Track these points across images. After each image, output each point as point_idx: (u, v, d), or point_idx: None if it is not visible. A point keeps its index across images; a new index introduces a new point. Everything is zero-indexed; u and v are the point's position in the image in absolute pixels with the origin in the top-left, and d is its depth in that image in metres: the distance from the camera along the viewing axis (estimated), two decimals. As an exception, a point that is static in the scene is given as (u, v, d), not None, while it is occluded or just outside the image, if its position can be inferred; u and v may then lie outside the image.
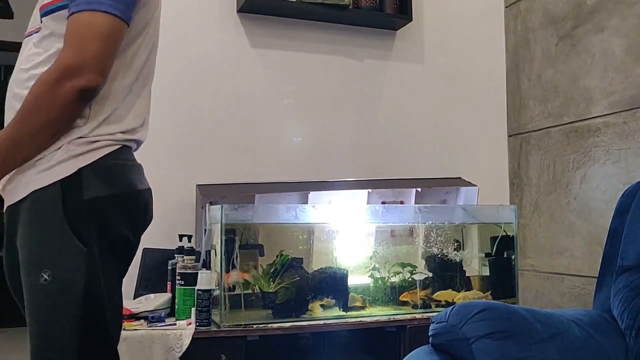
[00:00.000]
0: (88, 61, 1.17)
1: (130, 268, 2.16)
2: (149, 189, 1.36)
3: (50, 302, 1.18)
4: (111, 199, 1.24)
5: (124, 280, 2.20)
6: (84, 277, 1.19)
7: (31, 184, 1.20)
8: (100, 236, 1.22)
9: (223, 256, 1.85)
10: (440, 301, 2.12)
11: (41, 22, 1.27)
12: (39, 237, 1.19)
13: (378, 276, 2.10)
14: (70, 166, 1.20)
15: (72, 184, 1.20)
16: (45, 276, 1.18)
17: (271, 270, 1.93)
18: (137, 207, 1.32)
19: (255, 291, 1.92)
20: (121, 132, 1.28)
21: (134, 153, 1.36)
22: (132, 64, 1.32)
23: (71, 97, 1.16)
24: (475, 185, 2.38)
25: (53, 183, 1.19)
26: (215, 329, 1.80)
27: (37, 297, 1.19)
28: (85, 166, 1.21)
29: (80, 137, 1.22)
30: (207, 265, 1.99)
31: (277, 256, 1.96)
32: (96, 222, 1.22)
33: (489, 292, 2.19)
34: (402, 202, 2.34)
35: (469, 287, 2.20)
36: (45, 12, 1.25)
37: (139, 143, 1.38)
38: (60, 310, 1.18)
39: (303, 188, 2.19)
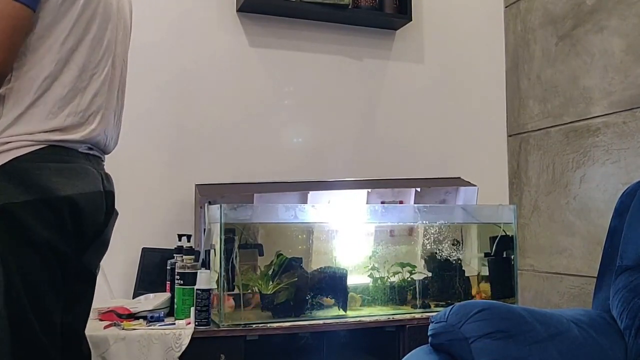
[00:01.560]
0: None
1: (129, 268, 2.19)
2: (89, 193, 1.28)
3: None
4: (25, 205, 1.17)
5: (123, 279, 2.21)
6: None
7: None
8: (16, 243, 1.16)
9: (222, 256, 1.85)
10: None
11: None
12: None
13: (377, 276, 2.10)
14: None
15: None
16: None
17: (269, 272, 1.93)
18: (59, 214, 1.22)
19: (254, 292, 1.92)
20: (45, 132, 1.21)
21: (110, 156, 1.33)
22: (66, 59, 1.26)
23: None
24: (475, 185, 2.38)
25: None
26: (215, 329, 1.80)
27: None
28: None
29: None
30: (206, 264, 1.98)
31: (275, 257, 1.95)
32: (7, 228, 1.15)
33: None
34: (401, 202, 2.34)
35: (468, 287, 2.20)
36: None
37: (92, 143, 1.32)
38: None
39: (302, 188, 2.19)
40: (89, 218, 1.30)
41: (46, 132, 1.22)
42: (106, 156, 1.54)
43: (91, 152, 1.37)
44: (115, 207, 1.48)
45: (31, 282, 1.19)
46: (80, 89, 1.30)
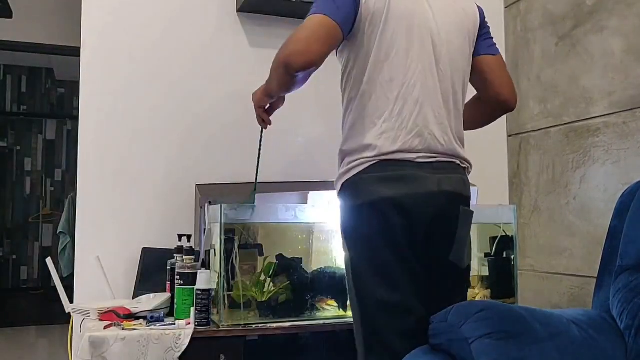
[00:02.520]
0: (293, 42, 1.53)
1: (129, 268, 2.19)
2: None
3: None
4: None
5: (123, 279, 2.21)
6: None
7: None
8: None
9: (222, 256, 1.85)
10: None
11: None
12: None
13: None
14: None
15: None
16: None
17: (259, 279, 1.92)
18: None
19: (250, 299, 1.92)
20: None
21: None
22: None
23: (279, 66, 1.57)
24: (475, 186, 2.37)
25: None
26: (215, 329, 1.80)
27: None
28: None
29: None
30: (206, 265, 1.98)
31: (275, 260, 1.95)
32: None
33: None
34: (401, 202, 2.33)
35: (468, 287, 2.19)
36: None
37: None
38: None
39: (303, 188, 2.19)
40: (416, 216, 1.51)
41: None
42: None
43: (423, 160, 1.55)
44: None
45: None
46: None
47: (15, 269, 6.56)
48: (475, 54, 1.69)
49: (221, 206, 1.85)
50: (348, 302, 2.01)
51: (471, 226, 1.64)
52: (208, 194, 2.14)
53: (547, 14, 2.55)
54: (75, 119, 5.90)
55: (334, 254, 2.06)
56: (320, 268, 2.01)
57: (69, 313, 1.99)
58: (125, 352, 1.68)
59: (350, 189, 1.56)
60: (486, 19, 1.74)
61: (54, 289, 2.15)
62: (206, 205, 2.04)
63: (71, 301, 2.05)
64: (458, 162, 1.62)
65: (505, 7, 2.82)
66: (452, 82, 1.60)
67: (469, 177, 1.68)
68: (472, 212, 1.64)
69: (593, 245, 2.26)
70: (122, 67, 2.28)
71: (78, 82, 2.26)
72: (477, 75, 1.71)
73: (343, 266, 2.02)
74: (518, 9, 2.73)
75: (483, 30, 1.72)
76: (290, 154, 2.46)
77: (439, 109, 1.57)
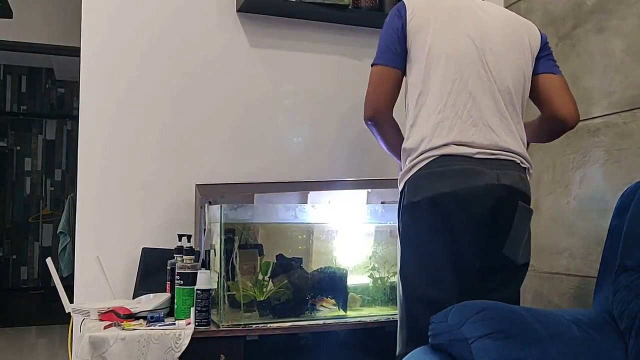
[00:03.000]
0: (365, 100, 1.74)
1: (129, 268, 2.19)
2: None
3: None
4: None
5: (123, 279, 2.21)
6: None
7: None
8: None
9: (222, 256, 1.85)
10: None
11: None
12: None
13: (377, 276, 2.10)
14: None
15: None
16: None
17: (259, 278, 1.92)
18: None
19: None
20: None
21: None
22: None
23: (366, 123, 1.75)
24: (475, 185, 2.37)
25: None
26: (215, 329, 1.80)
27: None
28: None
29: None
30: (206, 265, 1.98)
31: (274, 260, 1.95)
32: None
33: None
34: (401, 202, 2.33)
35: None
36: None
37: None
38: None
39: (302, 188, 2.19)
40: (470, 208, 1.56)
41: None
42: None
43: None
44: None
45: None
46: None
47: (15, 269, 6.55)
48: (535, 72, 1.77)
49: (221, 206, 1.85)
50: (348, 302, 2.01)
51: (529, 225, 1.71)
52: (208, 194, 2.14)
53: (547, 14, 2.55)
54: (75, 119, 5.91)
55: (334, 254, 2.06)
56: (320, 268, 2.01)
57: (69, 313, 1.99)
58: (125, 352, 1.68)
59: (411, 187, 1.61)
60: (549, 44, 1.82)
61: (54, 289, 2.15)
62: (206, 205, 2.04)
63: (71, 301, 2.05)
64: (518, 161, 1.67)
65: (505, 7, 2.82)
66: (506, 84, 1.66)
67: (529, 178, 1.75)
68: (532, 211, 1.70)
69: (593, 245, 2.26)
70: (122, 67, 2.28)
71: (78, 82, 2.26)
72: (536, 94, 1.79)
73: (343, 266, 2.03)
74: (518, 9, 2.73)
75: (544, 52, 1.79)
76: (290, 154, 2.46)
77: (497, 102, 1.64)
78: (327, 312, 1.98)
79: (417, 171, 1.60)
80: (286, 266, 1.96)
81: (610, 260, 1.66)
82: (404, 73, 1.70)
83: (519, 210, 1.64)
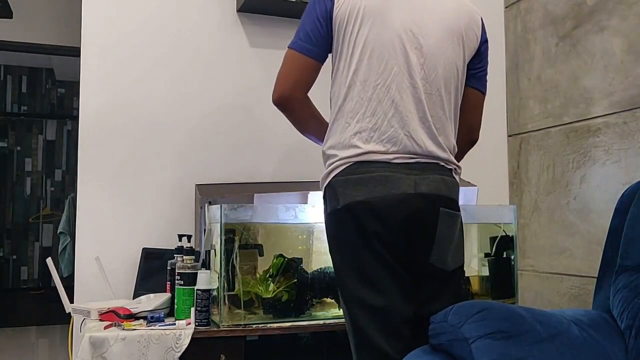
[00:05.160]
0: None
1: (129, 268, 2.19)
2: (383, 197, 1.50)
3: None
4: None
5: (123, 279, 2.21)
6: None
7: None
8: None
9: (222, 256, 1.85)
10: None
11: None
12: None
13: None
14: None
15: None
16: None
17: (267, 275, 1.92)
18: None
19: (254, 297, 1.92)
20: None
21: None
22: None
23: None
24: (475, 186, 2.38)
25: None
26: (215, 329, 1.80)
27: None
28: None
29: None
30: (206, 265, 1.98)
31: (274, 258, 1.95)
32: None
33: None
34: (401, 202, 2.33)
35: (468, 287, 2.19)
36: None
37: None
38: None
39: (302, 188, 2.19)
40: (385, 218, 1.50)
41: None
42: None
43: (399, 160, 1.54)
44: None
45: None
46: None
47: (15, 269, 6.55)
48: (467, 82, 1.68)
49: (221, 206, 1.85)
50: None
51: (459, 227, 1.60)
52: (208, 194, 2.14)
53: (548, 14, 2.55)
54: (75, 119, 5.91)
55: (334, 254, 2.06)
56: (320, 268, 2.01)
57: (69, 313, 1.99)
58: (126, 352, 1.68)
59: (328, 193, 1.57)
60: (487, 43, 1.71)
61: (54, 289, 2.15)
62: (206, 205, 2.04)
63: (71, 301, 2.05)
64: (442, 163, 1.57)
65: (505, 7, 2.82)
66: (437, 87, 1.56)
67: (458, 177, 1.65)
68: (456, 214, 1.59)
69: (593, 245, 2.26)
70: (122, 68, 2.28)
71: (78, 82, 2.26)
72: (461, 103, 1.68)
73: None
74: (518, 9, 2.73)
75: (480, 61, 1.69)
76: (290, 154, 2.46)
77: (421, 108, 1.54)
78: (328, 312, 1.98)
79: (334, 177, 1.55)
80: (286, 266, 1.96)
81: (610, 260, 1.66)
82: (322, 63, 1.63)
83: (441, 217, 1.53)
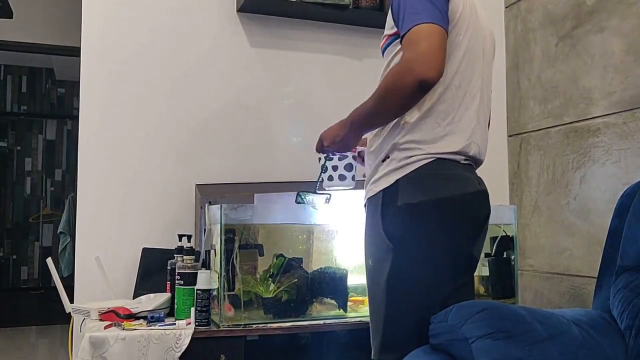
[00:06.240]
0: (420, 57, 1.38)
1: (129, 268, 2.19)
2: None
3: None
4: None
5: (123, 279, 2.21)
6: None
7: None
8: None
9: (222, 256, 1.85)
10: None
11: (382, 56, 1.61)
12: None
13: (378, 276, 2.10)
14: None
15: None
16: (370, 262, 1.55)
17: (268, 275, 1.92)
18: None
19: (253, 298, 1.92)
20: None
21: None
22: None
23: (411, 88, 1.39)
24: (475, 186, 2.37)
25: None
26: (215, 329, 1.80)
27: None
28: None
29: None
30: (206, 265, 1.98)
31: (274, 258, 1.95)
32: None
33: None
34: (401, 202, 2.33)
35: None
36: (383, 50, 1.60)
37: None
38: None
39: (302, 188, 2.19)
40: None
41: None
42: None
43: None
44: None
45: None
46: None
47: (15, 269, 6.56)
48: None
49: (221, 206, 1.85)
50: (348, 303, 2.01)
51: None
52: (208, 194, 2.14)
53: (548, 14, 2.55)
54: (75, 119, 5.91)
55: (334, 254, 2.06)
56: (321, 268, 2.01)
57: (69, 313, 1.99)
58: (126, 352, 1.68)
59: (410, 185, 1.48)
60: None
61: (54, 289, 2.15)
62: (206, 205, 2.04)
63: (71, 301, 2.05)
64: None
65: (506, 7, 2.82)
66: (489, 92, 1.65)
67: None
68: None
69: (593, 246, 2.26)
70: (122, 67, 2.28)
71: (78, 82, 2.26)
72: None
73: (343, 266, 2.03)
74: (518, 9, 2.73)
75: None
76: (290, 154, 2.46)
77: (485, 122, 1.62)
78: (328, 312, 1.98)
79: (417, 169, 1.48)
80: (286, 266, 1.96)
81: (611, 260, 1.66)
82: None
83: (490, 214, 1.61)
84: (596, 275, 1.72)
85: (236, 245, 1.88)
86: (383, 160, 1.55)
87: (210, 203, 2.04)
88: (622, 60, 2.19)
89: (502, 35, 2.82)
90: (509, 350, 1.32)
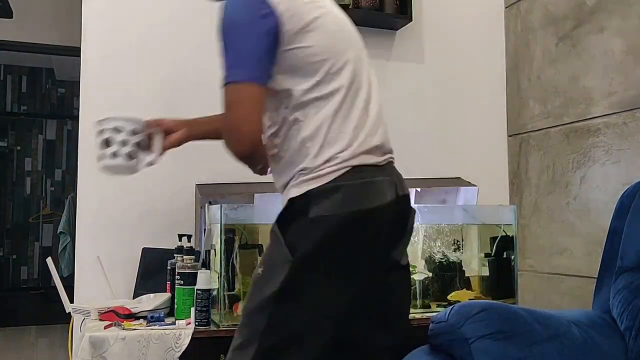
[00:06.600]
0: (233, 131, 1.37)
1: (129, 268, 2.19)
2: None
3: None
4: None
5: (123, 279, 2.21)
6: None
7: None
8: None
9: (222, 256, 1.85)
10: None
11: None
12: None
13: (377, 276, 2.10)
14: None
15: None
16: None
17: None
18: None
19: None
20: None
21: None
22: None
23: (235, 156, 1.42)
24: (475, 186, 2.38)
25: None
26: (215, 329, 1.80)
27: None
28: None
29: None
30: (206, 265, 1.98)
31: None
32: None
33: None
34: (401, 202, 2.33)
35: (468, 288, 2.19)
36: None
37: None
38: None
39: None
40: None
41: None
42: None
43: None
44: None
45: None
46: None
47: (15, 269, 6.56)
48: None
49: (221, 206, 1.85)
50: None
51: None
52: (208, 194, 2.14)
53: (548, 14, 2.55)
54: (75, 119, 5.91)
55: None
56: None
57: (69, 313, 1.99)
58: (125, 352, 1.68)
59: (322, 197, 1.33)
60: None
61: (54, 289, 2.15)
62: (206, 205, 2.04)
63: (71, 301, 2.05)
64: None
65: (506, 7, 2.82)
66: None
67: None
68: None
69: (593, 246, 2.26)
70: (122, 67, 2.28)
71: (78, 82, 2.26)
72: None
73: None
74: (518, 9, 2.73)
75: None
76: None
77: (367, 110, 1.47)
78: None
79: (333, 180, 1.34)
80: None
81: (611, 260, 1.66)
82: None
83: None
84: (596, 276, 1.72)
85: (236, 245, 1.88)
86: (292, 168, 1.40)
87: (210, 203, 2.04)
88: (622, 60, 2.19)
89: (502, 35, 2.82)
90: (509, 351, 1.32)
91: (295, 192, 1.35)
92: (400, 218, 1.43)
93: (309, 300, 1.32)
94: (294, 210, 1.35)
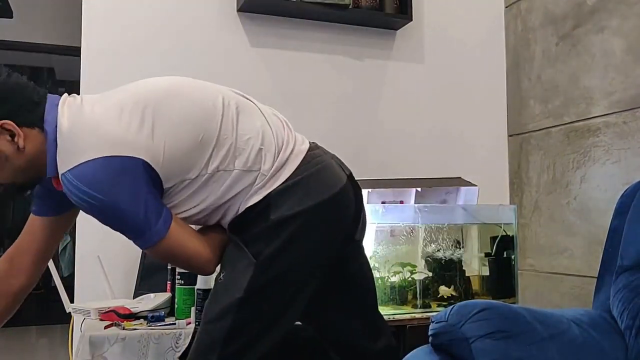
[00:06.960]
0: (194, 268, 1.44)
1: (130, 267, 2.18)
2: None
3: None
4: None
5: (124, 279, 2.20)
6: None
7: None
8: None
9: (222, 256, 1.85)
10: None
11: None
12: None
13: (378, 276, 2.10)
14: None
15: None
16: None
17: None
18: None
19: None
20: None
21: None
22: None
23: None
24: (475, 185, 2.38)
25: None
26: (215, 329, 1.79)
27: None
28: None
29: None
30: (206, 264, 1.98)
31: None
32: None
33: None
34: (402, 202, 2.33)
35: (468, 287, 2.19)
36: None
37: None
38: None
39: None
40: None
41: None
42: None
43: None
44: None
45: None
46: None
47: (15, 269, 6.55)
48: None
49: (221, 206, 1.84)
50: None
51: None
52: (208, 193, 2.13)
53: (548, 13, 2.55)
54: (75, 119, 5.89)
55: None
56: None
57: (69, 313, 1.99)
58: (126, 352, 1.68)
59: (280, 197, 1.36)
60: None
61: (54, 289, 2.14)
62: (206, 205, 2.03)
63: (71, 301, 2.05)
64: None
65: (506, 7, 2.82)
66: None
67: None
68: None
69: (593, 245, 2.26)
70: (122, 67, 2.28)
71: (78, 82, 2.25)
72: None
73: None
74: (518, 8, 2.73)
75: None
76: (291, 153, 2.45)
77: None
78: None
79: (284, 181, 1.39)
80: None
81: (610, 260, 1.66)
82: None
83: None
84: (596, 275, 1.72)
85: (236, 245, 1.88)
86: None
87: (210, 203, 2.04)
88: (622, 60, 2.19)
89: (502, 35, 2.82)
90: (509, 350, 1.32)
91: (253, 200, 1.36)
92: (356, 193, 1.53)
93: (276, 300, 1.36)
94: (253, 216, 1.36)
